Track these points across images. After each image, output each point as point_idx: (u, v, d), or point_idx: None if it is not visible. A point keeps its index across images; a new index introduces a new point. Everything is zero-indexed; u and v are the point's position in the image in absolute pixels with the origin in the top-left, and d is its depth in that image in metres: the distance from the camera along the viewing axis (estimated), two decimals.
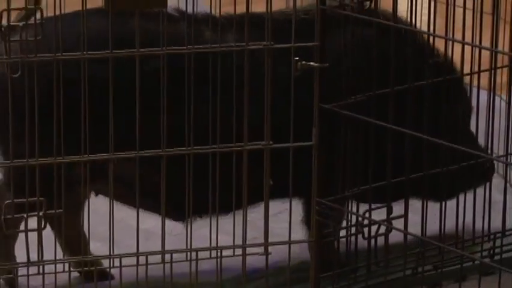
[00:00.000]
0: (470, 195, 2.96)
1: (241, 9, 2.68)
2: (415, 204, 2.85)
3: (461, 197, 2.95)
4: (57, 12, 2.72)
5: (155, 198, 2.69)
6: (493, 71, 2.93)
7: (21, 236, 2.69)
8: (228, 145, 2.66)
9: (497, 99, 3.00)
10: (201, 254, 2.73)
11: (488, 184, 2.99)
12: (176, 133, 2.63)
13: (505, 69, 2.99)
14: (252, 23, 2.66)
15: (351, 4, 2.71)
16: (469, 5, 2.90)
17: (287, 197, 2.78)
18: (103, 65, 2.59)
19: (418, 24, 2.91)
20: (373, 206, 2.75)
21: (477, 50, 2.72)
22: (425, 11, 2.78)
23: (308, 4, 2.89)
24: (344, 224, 2.79)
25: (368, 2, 2.77)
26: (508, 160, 2.98)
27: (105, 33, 2.59)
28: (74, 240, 2.95)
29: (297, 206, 2.98)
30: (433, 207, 2.87)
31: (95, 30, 2.64)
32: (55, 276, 2.74)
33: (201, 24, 2.81)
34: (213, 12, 2.87)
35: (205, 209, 2.79)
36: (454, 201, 2.92)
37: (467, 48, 2.72)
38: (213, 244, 2.75)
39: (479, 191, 2.96)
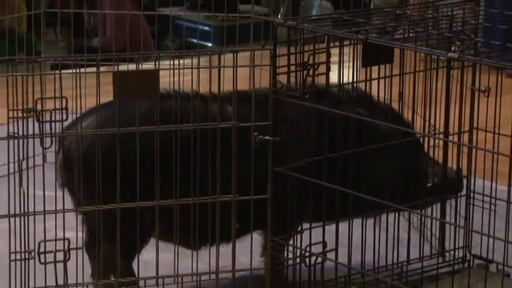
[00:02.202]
0: (383, 235, 3.11)
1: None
2: (344, 241, 2.97)
3: (377, 236, 3.07)
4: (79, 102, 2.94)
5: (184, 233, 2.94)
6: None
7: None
8: (205, 197, 2.91)
9: None
10: (185, 279, 2.99)
11: (397, 226, 3.12)
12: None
13: None
14: (246, 99, 2.91)
15: (297, 89, 2.84)
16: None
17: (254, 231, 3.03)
18: (152, 135, 2.81)
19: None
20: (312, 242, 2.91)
21: None
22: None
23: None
24: (291, 255, 2.97)
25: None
26: None
27: (149, 112, 2.82)
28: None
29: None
30: (357, 241, 3.01)
31: (144, 112, 2.84)
32: None
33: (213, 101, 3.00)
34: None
35: (206, 241, 3.03)
36: (371, 238, 3.05)
37: None
38: (194, 271, 3.00)
39: (390, 230, 3.13)
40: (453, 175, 3.20)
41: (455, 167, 3.26)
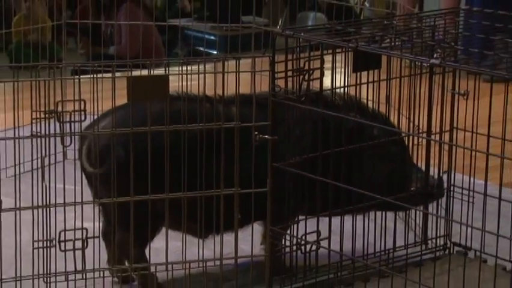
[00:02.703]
0: (372, 225, 3.07)
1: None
2: (336, 230, 2.98)
3: (366, 226, 3.04)
4: (96, 104, 2.89)
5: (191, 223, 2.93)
6: None
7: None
8: (210, 191, 2.90)
9: None
10: (192, 265, 2.98)
11: (384, 217, 3.11)
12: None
13: None
14: (248, 101, 2.90)
15: (294, 93, 2.86)
16: None
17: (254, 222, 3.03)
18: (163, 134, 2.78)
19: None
20: (308, 231, 2.92)
21: None
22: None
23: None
24: (288, 243, 2.98)
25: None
26: None
27: (161, 113, 2.80)
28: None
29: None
30: (348, 231, 3.01)
31: (156, 113, 2.82)
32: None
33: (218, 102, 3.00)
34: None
35: (211, 230, 2.99)
36: (361, 228, 3.03)
37: None
38: (200, 258, 2.98)
39: (378, 221, 3.09)
40: (435, 182, 3.19)
41: (436, 167, 3.25)
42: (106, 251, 3.16)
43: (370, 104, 3.13)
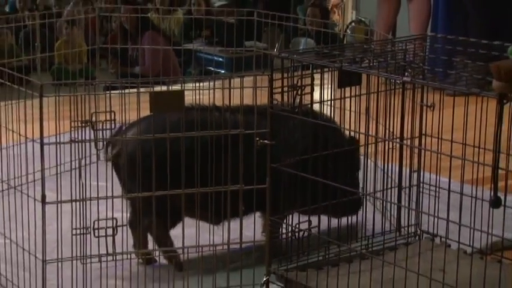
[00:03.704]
0: (354, 216, 3.12)
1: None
2: (324, 220, 3.03)
3: (349, 217, 3.10)
4: (124, 115, 2.97)
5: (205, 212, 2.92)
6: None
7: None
8: (219, 187, 2.90)
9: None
10: (204, 249, 2.96)
11: (365, 209, 3.13)
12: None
13: None
14: (251, 111, 2.92)
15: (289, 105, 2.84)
16: None
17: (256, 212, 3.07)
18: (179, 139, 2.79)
19: None
20: (300, 221, 2.92)
21: None
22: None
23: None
24: (284, 231, 2.97)
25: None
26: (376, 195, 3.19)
27: (178, 122, 2.82)
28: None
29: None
30: (334, 220, 3.06)
31: (174, 122, 2.83)
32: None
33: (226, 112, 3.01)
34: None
35: (221, 218, 3.02)
36: (345, 219, 3.10)
37: None
38: (211, 243, 2.96)
39: (360, 212, 3.13)
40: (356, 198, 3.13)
41: (408, 167, 3.23)
42: (132, 237, 3.16)
43: (352, 115, 3.10)
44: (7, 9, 10.52)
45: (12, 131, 2.95)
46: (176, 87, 2.94)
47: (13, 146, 3.11)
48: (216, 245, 2.99)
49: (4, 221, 2.96)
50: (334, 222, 3.04)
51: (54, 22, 4.16)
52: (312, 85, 2.87)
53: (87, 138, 2.75)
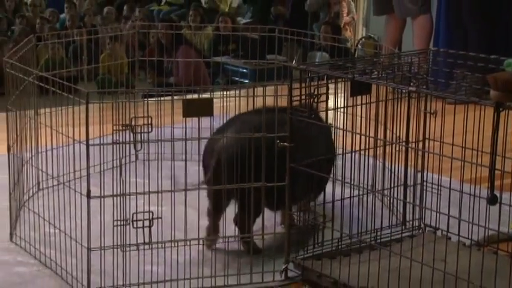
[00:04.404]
0: (365, 211, 3.02)
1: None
2: (338, 214, 2.93)
3: (360, 212, 3.00)
4: (160, 120, 2.96)
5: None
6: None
7: None
8: (248, 184, 2.82)
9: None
10: (230, 239, 2.95)
11: (374, 204, 3.11)
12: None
13: None
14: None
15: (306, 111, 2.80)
16: None
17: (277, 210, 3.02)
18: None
19: None
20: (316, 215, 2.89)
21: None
22: None
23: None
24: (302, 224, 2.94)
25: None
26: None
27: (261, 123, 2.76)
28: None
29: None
30: (347, 215, 2.89)
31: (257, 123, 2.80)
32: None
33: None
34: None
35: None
36: (357, 213, 2.98)
37: None
38: (236, 234, 2.95)
39: (370, 207, 3.05)
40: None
41: (413, 168, 3.18)
42: (207, 225, 3.06)
43: (363, 120, 3.05)
44: (58, 26, 10.63)
45: (62, 134, 2.96)
46: (206, 95, 2.92)
47: (62, 147, 3.11)
48: (241, 236, 2.99)
49: (54, 213, 2.97)
50: (346, 216, 2.96)
51: (99, 38, 4.17)
52: (327, 94, 2.86)
53: (127, 140, 2.75)
